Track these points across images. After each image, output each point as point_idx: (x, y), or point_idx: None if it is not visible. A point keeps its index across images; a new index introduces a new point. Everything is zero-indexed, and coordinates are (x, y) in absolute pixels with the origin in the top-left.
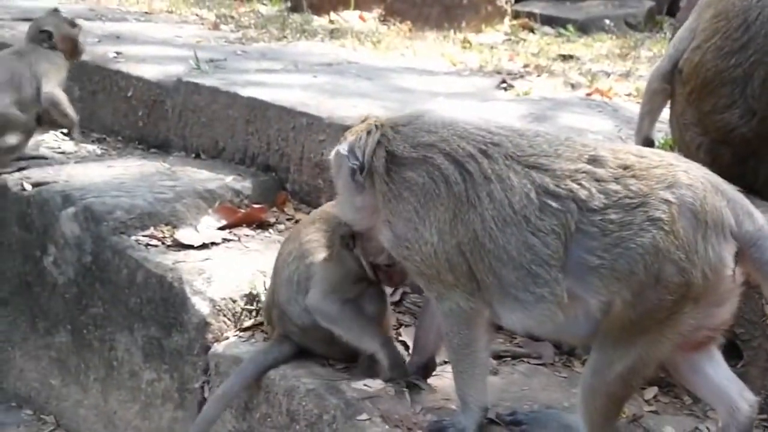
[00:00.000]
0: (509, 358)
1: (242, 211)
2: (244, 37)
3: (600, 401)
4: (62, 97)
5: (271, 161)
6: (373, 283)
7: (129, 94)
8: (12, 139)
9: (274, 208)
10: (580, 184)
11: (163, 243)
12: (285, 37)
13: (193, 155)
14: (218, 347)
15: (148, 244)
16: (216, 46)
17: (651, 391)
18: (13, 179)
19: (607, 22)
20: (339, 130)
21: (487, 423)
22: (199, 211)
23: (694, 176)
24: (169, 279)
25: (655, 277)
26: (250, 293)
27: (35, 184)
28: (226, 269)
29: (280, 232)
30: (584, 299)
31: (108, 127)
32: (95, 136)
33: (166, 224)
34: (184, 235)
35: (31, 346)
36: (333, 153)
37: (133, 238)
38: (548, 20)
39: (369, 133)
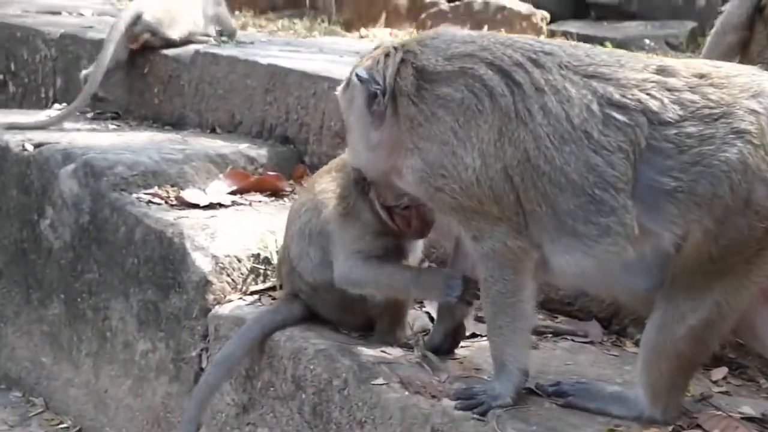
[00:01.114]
0: (550, 335)
1: (255, 177)
2: (270, 34)
3: (666, 365)
4: None
5: (289, 132)
6: (395, 237)
7: (145, 71)
8: None
9: (291, 181)
10: (649, 94)
11: (166, 202)
12: (313, 36)
13: (209, 131)
14: (219, 309)
15: (150, 202)
16: (241, 34)
17: (719, 372)
18: (15, 140)
19: (647, 41)
20: None
21: (526, 393)
22: (209, 175)
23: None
24: (168, 234)
25: (744, 199)
26: (259, 255)
27: (37, 145)
28: (234, 227)
29: None
30: (655, 232)
31: (123, 107)
32: (109, 114)
33: (172, 185)
34: (190, 194)
35: (23, 321)
36: (343, 84)
37: (134, 195)
38: (585, 40)
39: (388, 55)
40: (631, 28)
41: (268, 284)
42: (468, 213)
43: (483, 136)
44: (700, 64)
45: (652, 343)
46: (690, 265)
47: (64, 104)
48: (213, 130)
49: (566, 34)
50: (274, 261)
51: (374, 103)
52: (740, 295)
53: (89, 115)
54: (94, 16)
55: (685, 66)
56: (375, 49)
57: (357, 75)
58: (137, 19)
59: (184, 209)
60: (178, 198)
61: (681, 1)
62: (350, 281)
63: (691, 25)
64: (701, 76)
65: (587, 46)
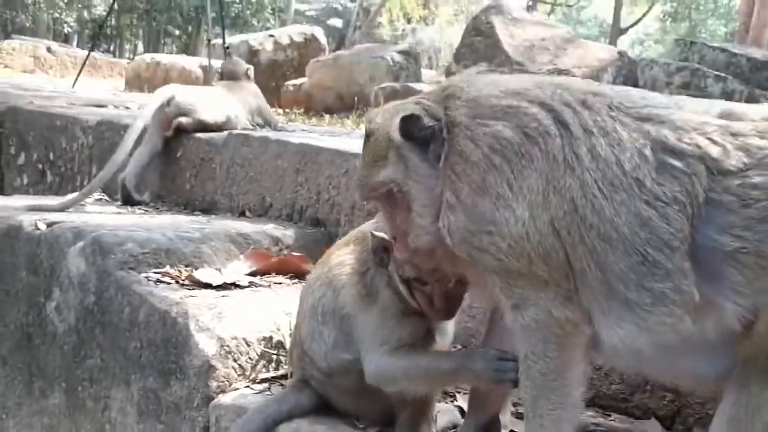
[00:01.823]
0: None
1: (277, 257)
2: (314, 126)
3: None
4: None
5: (320, 213)
6: (422, 319)
7: (178, 155)
8: None
9: None
10: (710, 139)
11: (177, 281)
12: (358, 129)
13: (238, 215)
14: (222, 398)
15: (158, 281)
16: (285, 125)
17: None
18: (28, 220)
19: None
20: None
21: None
22: (228, 255)
23: None
24: (172, 314)
25: None
26: (271, 338)
27: (50, 224)
28: (245, 308)
29: None
30: (717, 303)
31: (155, 192)
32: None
33: (186, 265)
34: (203, 274)
35: (25, 413)
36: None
37: (143, 275)
38: None
39: (430, 94)
40: None
41: (280, 371)
42: (512, 276)
43: (532, 184)
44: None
45: None
46: (763, 344)
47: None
48: (243, 214)
49: None
50: (287, 344)
51: (430, 148)
52: None
53: (119, 202)
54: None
55: (756, 110)
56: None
57: (406, 116)
58: (169, 101)
59: (194, 289)
60: (189, 277)
61: (742, 100)
62: (382, 379)
63: None
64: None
65: (641, 90)
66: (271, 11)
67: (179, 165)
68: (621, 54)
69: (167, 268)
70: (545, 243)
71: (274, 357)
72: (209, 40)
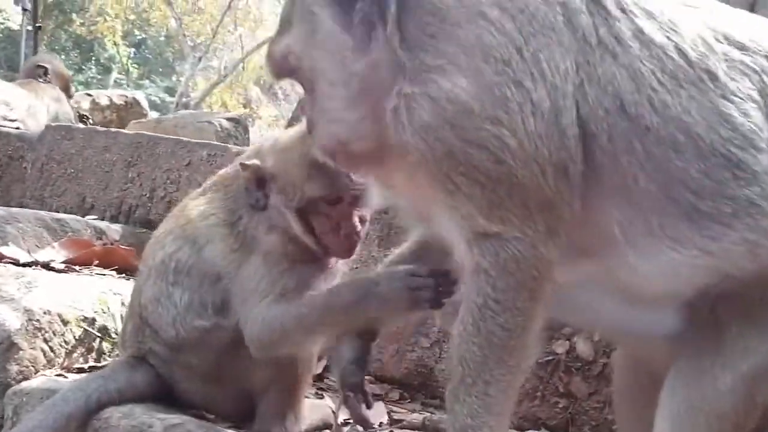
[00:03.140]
0: None
1: (101, 247)
2: None
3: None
4: None
5: (153, 213)
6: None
7: None
8: None
9: None
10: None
11: None
12: None
13: None
14: (26, 384)
15: None
16: None
17: None
18: None
19: None
20: None
21: None
22: (39, 242)
23: None
24: None
25: None
26: (94, 320)
27: None
28: (63, 283)
29: None
30: None
31: None
32: None
33: None
34: (9, 251)
35: None
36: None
37: None
38: None
39: None
40: None
41: (104, 363)
42: (501, 191)
43: (557, 65)
44: None
45: (677, 409)
46: None
47: None
48: None
49: None
50: (118, 330)
51: (356, 7)
52: None
53: None
54: None
55: None
56: None
57: None
58: None
59: None
60: None
61: None
62: (271, 334)
63: None
64: None
65: None
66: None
67: None
68: None
69: None
70: (570, 148)
71: (96, 345)
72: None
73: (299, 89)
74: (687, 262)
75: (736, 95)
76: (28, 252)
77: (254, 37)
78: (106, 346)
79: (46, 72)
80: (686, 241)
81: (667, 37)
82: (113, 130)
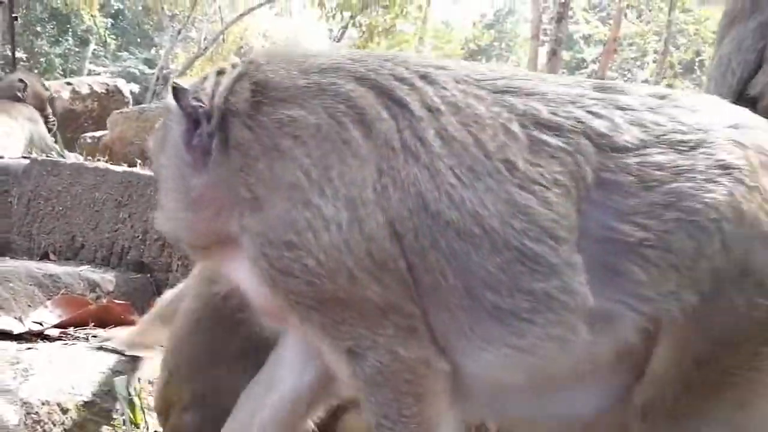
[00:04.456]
0: None
1: (95, 303)
2: None
3: None
4: None
5: (146, 256)
6: None
7: None
8: None
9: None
10: (591, 112)
11: None
12: None
13: (38, 258)
14: None
15: None
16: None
17: None
18: None
19: None
20: None
21: None
22: (32, 302)
23: (755, 117)
24: None
25: (741, 264)
26: (94, 402)
27: None
28: (59, 363)
29: None
30: (611, 312)
31: None
32: None
33: None
34: (2, 322)
35: None
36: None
37: None
38: None
39: (221, 73)
40: None
41: None
42: (334, 310)
43: (353, 177)
44: (654, 89)
45: None
46: (668, 370)
47: None
48: (46, 257)
49: None
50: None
51: (195, 133)
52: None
53: None
54: None
55: (636, 87)
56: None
57: (174, 89)
58: None
59: None
60: None
61: None
62: None
63: None
64: (662, 97)
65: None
66: (62, 72)
67: None
68: None
69: None
70: (378, 253)
71: (96, 429)
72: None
73: None
74: (501, 363)
75: (538, 183)
76: (21, 319)
77: (234, 7)
78: (106, 429)
79: (26, 87)
80: (495, 341)
81: (469, 131)
82: (102, 166)
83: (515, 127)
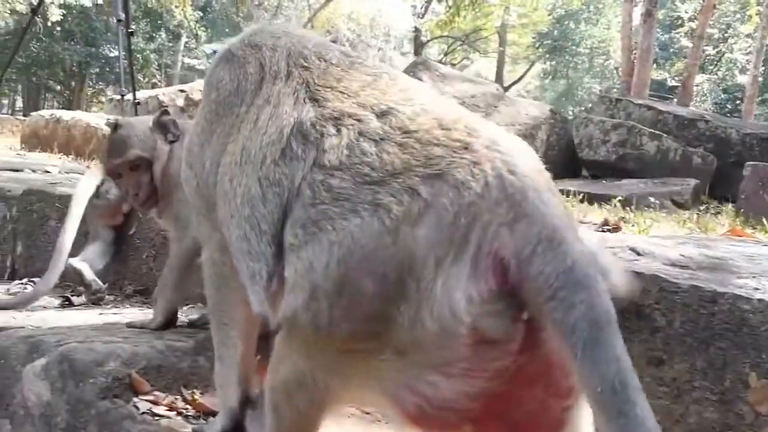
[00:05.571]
0: None
1: None
2: None
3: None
4: None
5: None
6: None
7: (132, 232)
8: None
9: None
10: (338, 130)
11: (180, 413)
12: None
13: None
14: None
15: (153, 413)
16: None
17: None
18: None
19: (652, 199)
20: None
21: None
22: None
23: (492, 168)
24: None
25: (338, 284)
26: None
27: None
28: None
29: None
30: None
31: (101, 276)
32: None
33: (184, 385)
34: (212, 400)
35: None
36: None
37: (132, 404)
38: (589, 198)
39: None
40: (632, 185)
41: None
42: (197, 214)
43: (225, 129)
44: (457, 121)
45: None
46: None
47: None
48: None
49: (565, 192)
50: None
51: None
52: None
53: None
54: (62, 174)
55: (422, 117)
56: None
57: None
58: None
59: (204, 420)
60: (196, 405)
61: (678, 158)
62: None
63: (694, 182)
64: (407, 132)
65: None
66: (157, 66)
67: (133, 244)
68: (553, 111)
69: (157, 394)
70: (212, 190)
71: None
72: (122, 96)
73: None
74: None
75: (267, 179)
76: None
77: None
78: None
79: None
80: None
81: (266, 124)
82: None
83: (287, 130)
